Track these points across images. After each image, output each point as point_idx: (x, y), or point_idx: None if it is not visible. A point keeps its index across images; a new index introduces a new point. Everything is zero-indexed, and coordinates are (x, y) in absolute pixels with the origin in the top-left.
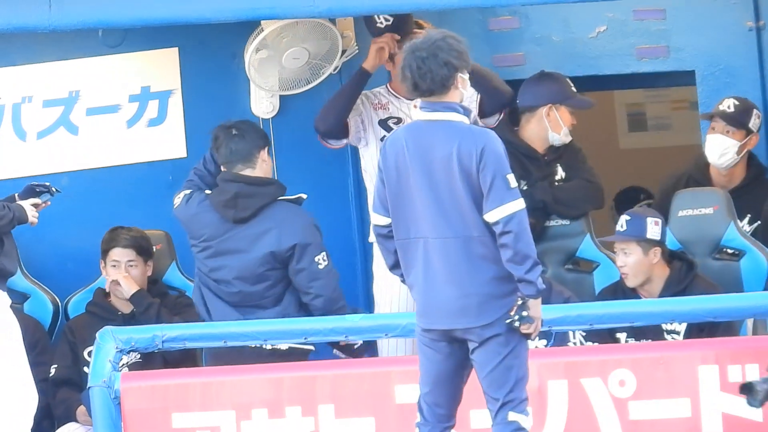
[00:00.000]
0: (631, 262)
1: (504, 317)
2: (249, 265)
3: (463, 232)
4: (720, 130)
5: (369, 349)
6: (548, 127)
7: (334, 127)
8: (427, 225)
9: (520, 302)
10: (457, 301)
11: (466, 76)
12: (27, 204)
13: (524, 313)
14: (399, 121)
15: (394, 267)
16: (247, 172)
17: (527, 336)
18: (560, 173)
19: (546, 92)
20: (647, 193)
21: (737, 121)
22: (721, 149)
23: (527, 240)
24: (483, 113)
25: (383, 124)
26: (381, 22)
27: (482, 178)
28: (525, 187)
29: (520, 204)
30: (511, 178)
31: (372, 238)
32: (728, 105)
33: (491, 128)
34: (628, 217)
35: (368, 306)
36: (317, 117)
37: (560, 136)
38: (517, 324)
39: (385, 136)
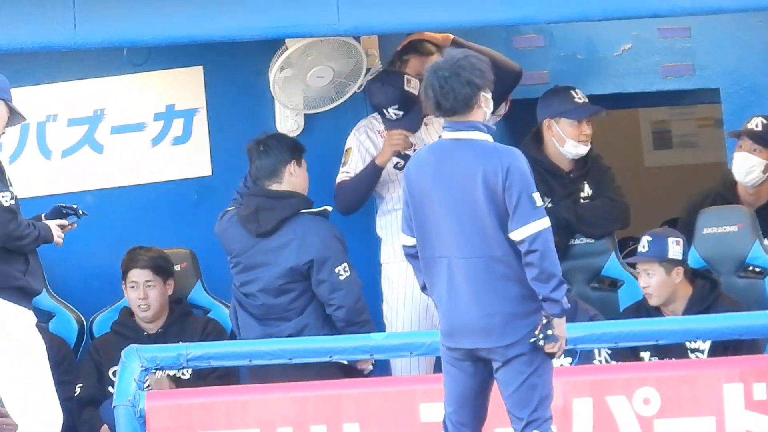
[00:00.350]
0: (654, 282)
1: (528, 336)
2: (271, 278)
3: (486, 252)
4: (747, 148)
5: (229, 374)
6: (555, 142)
7: (356, 210)
8: (451, 244)
9: (544, 321)
10: (480, 320)
11: (489, 95)
12: (53, 224)
13: (549, 332)
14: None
15: (424, 287)
16: (275, 186)
17: (551, 355)
18: (587, 190)
19: (544, 107)
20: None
21: (764, 139)
22: (748, 167)
23: (553, 259)
24: None
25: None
26: (392, 116)
27: (508, 196)
28: (549, 205)
29: (545, 222)
30: (537, 197)
31: (384, 258)
32: (756, 123)
33: (499, 117)
34: (649, 238)
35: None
36: (337, 202)
37: (566, 149)
38: (541, 343)
39: (397, 163)
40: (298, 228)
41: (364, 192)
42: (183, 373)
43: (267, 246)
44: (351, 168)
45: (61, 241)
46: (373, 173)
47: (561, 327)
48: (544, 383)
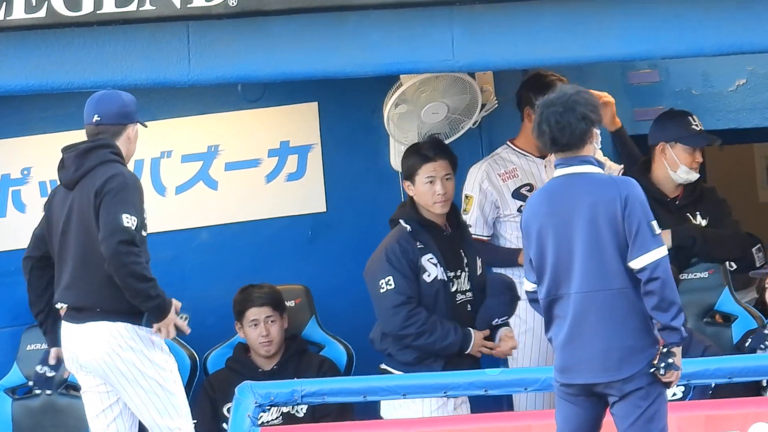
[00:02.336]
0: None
1: (644, 369)
2: None
3: (605, 286)
4: None
5: (345, 412)
6: (666, 166)
7: None
8: (571, 279)
9: (664, 350)
10: (598, 354)
11: (599, 131)
12: (174, 315)
13: (670, 361)
14: (531, 187)
15: (546, 330)
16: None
17: (668, 385)
18: (699, 220)
19: (660, 130)
20: None
21: None
22: None
23: (672, 287)
24: None
25: (517, 194)
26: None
27: (627, 225)
28: None
29: (664, 251)
30: (656, 225)
31: None
32: None
33: None
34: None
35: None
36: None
37: (678, 174)
38: (662, 372)
39: (521, 206)
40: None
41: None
42: (297, 411)
43: None
44: (472, 220)
45: (171, 334)
46: (510, 262)
47: (679, 356)
48: (660, 416)
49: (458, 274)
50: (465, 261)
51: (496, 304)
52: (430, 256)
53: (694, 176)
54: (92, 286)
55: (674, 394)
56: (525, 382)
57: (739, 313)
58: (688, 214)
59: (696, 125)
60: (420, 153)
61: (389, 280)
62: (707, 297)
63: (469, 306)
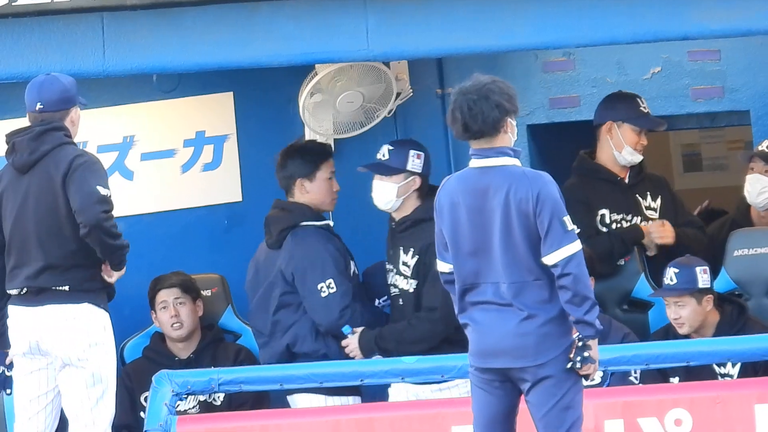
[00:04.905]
0: (685, 314)
1: (559, 357)
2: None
3: (521, 277)
4: (759, 170)
5: (261, 400)
6: (611, 146)
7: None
8: (485, 271)
9: (579, 344)
10: (514, 340)
11: (515, 122)
12: None
13: (586, 354)
14: None
15: (459, 313)
16: (290, 199)
17: (585, 377)
18: (649, 201)
19: (608, 110)
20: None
21: None
22: (759, 188)
23: (585, 282)
24: None
25: None
26: None
27: (539, 221)
28: (616, 217)
29: (577, 246)
30: (568, 221)
31: None
32: (767, 145)
33: None
34: (676, 270)
35: None
36: None
37: (623, 155)
38: (578, 366)
39: None
40: (293, 239)
41: None
42: (215, 399)
43: (275, 257)
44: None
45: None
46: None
47: (595, 349)
48: (575, 405)
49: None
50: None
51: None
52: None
53: (638, 158)
54: (58, 268)
55: (592, 379)
56: (442, 369)
57: (656, 300)
58: (638, 195)
59: (644, 107)
60: (319, 150)
61: (330, 283)
62: (624, 284)
63: (400, 300)
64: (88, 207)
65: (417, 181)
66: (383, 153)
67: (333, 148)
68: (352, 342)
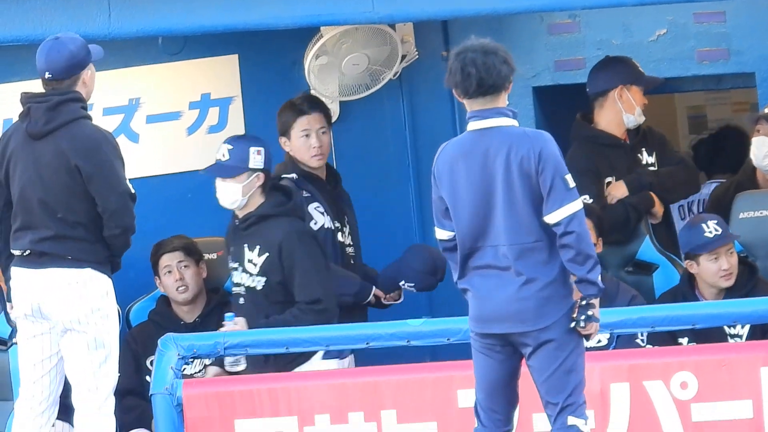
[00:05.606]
0: (734, 262)
1: (561, 320)
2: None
3: (522, 239)
4: (765, 132)
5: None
6: (622, 109)
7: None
8: (486, 233)
9: (583, 303)
10: (515, 305)
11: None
12: None
13: (589, 313)
14: None
15: (460, 278)
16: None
17: (587, 337)
18: (646, 158)
19: (615, 74)
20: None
21: None
22: (765, 151)
23: (588, 240)
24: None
25: None
26: None
27: (542, 180)
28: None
29: (579, 204)
30: (570, 179)
31: None
32: None
33: None
34: (714, 221)
35: (432, 313)
36: None
37: (635, 116)
38: (582, 325)
39: None
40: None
41: None
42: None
43: None
44: None
45: None
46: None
47: (597, 308)
48: (578, 369)
49: (341, 227)
50: (346, 217)
51: (410, 271)
52: (316, 204)
53: (643, 118)
54: (63, 239)
55: (599, 341)
56: (448, 332)
57: (660, 262)
58: (638, 155)
59: (640, 67)
60: (294, 108)
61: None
62: (629, 246)
63: (352, 260)
64: (122, 210)
65: (261, 177)
66: (223, 153)
67: (330, 109)
68: (232, 330)
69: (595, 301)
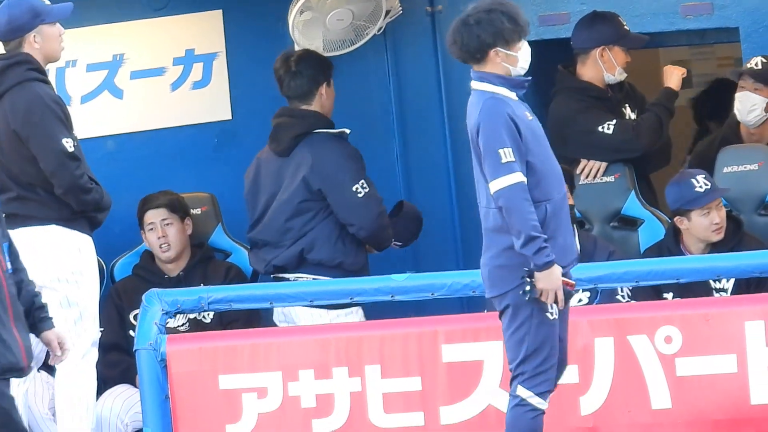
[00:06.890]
0: (723, 215)
1: (513, 289)
2: (290, 197)
3: (484, 203)
4: (748, 87)
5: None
6: (603, 68)
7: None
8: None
9: (528, 276)
10: (482, 269)
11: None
12: None
13: (527, 288)
14: None
15: None
16: (304, 107)
17: (553, 304)
18: (629, 114)
19: (598, 34)
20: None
21: (765, 78)
22: (749, 106)
23: (520, 216)
24: None
25: None
26: None
27: (483, 151)
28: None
29: (509, 180)
30: (504, 153)
31: None
32: (756, 63)
33: None
34: (702, 175)
35: (415, 264)
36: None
37: (615, 75)
38: (526, 297)
39: None
40: (312, 147)
41: None
42: (204, 317)
43: (287, 164)
44: None
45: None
46: None
47: (546, 279)
48: (529, 340)
49: None
50: None
51: (402, 229)
52: None
53: (624, 76)
54: (28, 199)
55: (579, 300)
56: (432, 287)
57: (646, 217)
58: (622, 108)
59: (626, 26)
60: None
61: (363, 183)
62: (613, 201)
63: None
64: (60, 170)
65: None
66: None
67: None
68: None
69: (540, 274)
